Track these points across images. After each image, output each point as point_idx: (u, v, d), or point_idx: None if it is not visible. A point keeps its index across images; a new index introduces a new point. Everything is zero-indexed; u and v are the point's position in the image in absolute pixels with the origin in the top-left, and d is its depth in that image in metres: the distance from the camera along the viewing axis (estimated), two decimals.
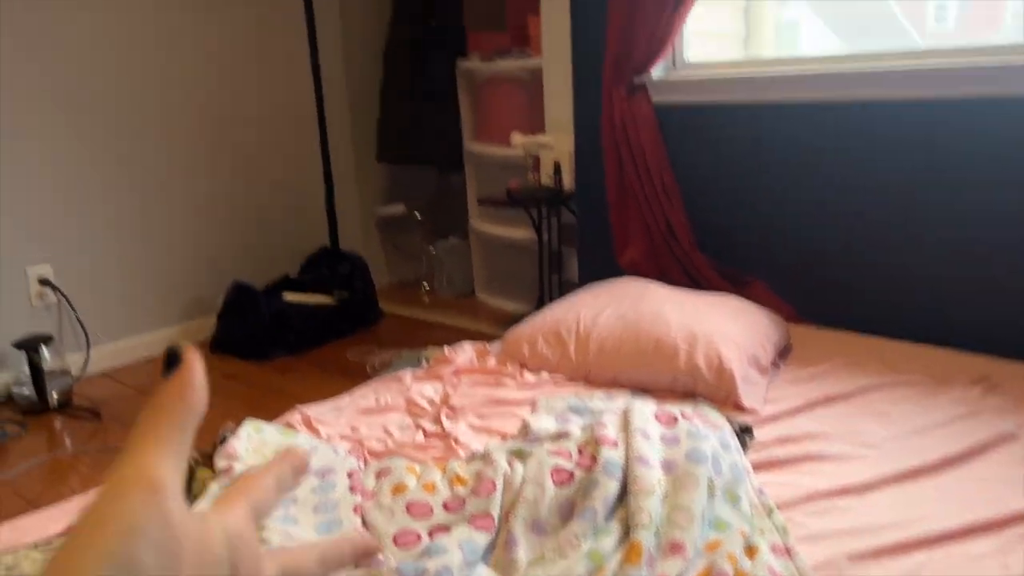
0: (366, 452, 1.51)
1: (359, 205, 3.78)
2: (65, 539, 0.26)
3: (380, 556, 0.31)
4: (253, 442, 1.41)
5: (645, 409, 1.42)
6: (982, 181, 1.98)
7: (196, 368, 0.30)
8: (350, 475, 1.35)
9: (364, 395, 1.80)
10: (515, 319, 2.40)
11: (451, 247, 3.67)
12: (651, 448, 1.29)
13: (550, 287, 2.91)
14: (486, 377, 1.87)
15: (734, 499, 1.23)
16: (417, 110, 3.50)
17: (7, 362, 2.70)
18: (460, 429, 1.60)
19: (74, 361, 2.81)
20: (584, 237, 2.82)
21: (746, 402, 1.64)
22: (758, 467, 1.39)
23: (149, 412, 0.29)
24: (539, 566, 1.10)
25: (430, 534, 1.18)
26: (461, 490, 1.28)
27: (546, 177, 2.80)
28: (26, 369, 2.61)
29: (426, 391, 1.79)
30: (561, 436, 1.41)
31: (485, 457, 1.36)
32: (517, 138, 2.86)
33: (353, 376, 2.68)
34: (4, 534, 1.25)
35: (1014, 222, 1.95)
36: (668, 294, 1.98)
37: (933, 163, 2.04)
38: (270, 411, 1.73)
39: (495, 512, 1.21)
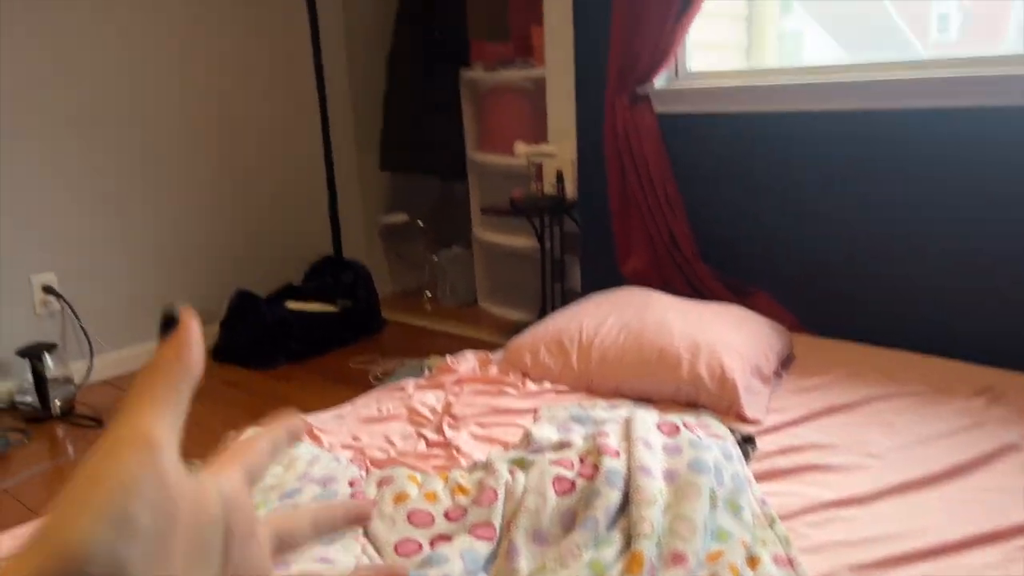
0: (368, 461, 1.51)
1: (362, 214, 3.78)
2: (60, 497, 0.26)
3: (371, 519, 0.32)
4: None
5: (647, 419, 1.42)
6: (985, 191, 1.98)
7: (193, 329, 0.30)
8: (352, 484, 1.35)
9: (366, 404, 1.80)
10: (517, 328, 2.40)
11: (454, 256, 3.68)
12: (653, 458, 1.28)
13: (552, 296, 2.91)
14: (488, 386, 1.87)
15: (736, 509, 1.23)
16: (420, 119, 3.51)
17: (10, 370, 2.70)
18: (462, 438, 1.60)
19: (77, 369, 2.82)
20: (587, 246, 2.83)
21: (749, 412, 1.64)
22: (760, 477, 1.38)
23: (145, 373, 0.29)
24: None
25: (431, 543, 1.18)
26: (463, 499, 1.28)
27: (549, 186, 2.80)
28: (29, 377, 2.61)
29: (428, 400, 1.79)
30: (563, 445, 1.41)
31: (487, 466, 1.36)
32: (520, 147, 2.87)
33: (355, 385, 2.68)
34: (5, 543, 1.25)
35: (1017, 232, 1.95)
36: (671, 303, 1.98)
37: (936, 173, 2.04)
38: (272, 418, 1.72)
39: (496, 521, 1.20)
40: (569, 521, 1.19)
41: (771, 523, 1.22)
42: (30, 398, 2.62)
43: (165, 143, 3.06)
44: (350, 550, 1.16)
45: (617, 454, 1.29)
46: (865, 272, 2.20)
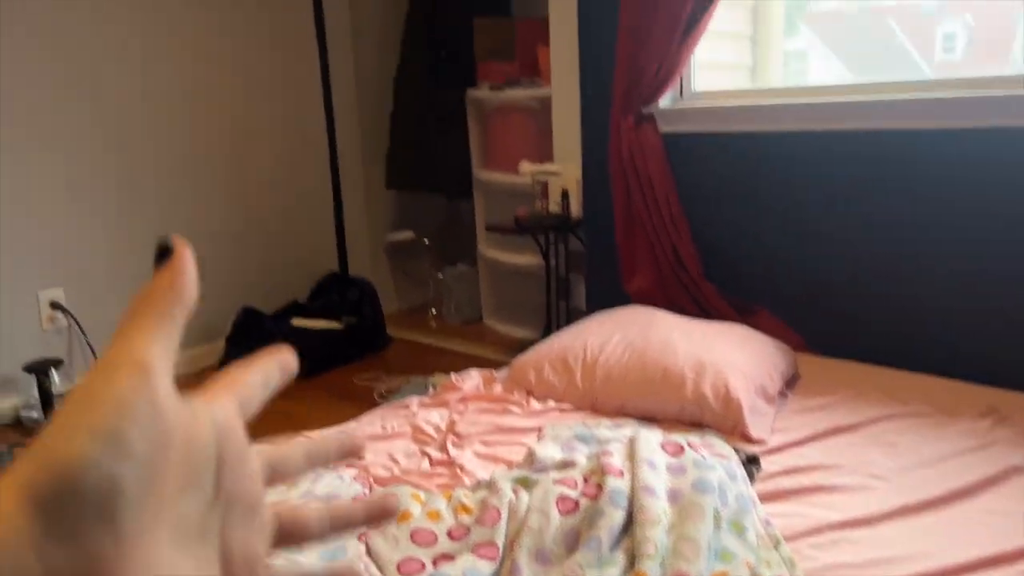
0: (371, 479, 1.51)
1: (368, 231, 3.80)
2: (52, 418, 0.26)
3: (364, 454, 0.31)
4: None
5: (651, 438, 1.42)
6: (990, 211, 1.98)
7: (187, 258, 0.30)
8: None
9: (370, 421, 1.80)
10: (522, 345, 2.40)
11: (459, 273, 3.69)
12: (657, 478, 1.28)
13: (557, 314, 2.91)
14: (492, 404, 1.87)
15: (740, 530, 1.23)
16: (427, 138, 3.53)
17: (17, 386, 2.71)
18: (466, 457, 1.59)
19: None
20: (591, 265, 2.83)
21: (753, 432, 1.63)
22: (765, 498, 1.38)
23: (139, 300, 0.29)
24: None
25: (434, 563, 1.18)
26: (466, 518, 1.28)
27: (554, 205, 2.81)
28: (36, 393, 2.62)
29: (432, 418, 1.79)
30: (567, 465, 1.41)
31: (490, 485, 1.36)
32: (526, 166, 2.88)
33: (360, 402, 2.68)
34: None
35: (1023, 253, 1.95)
36: (675, 323, 1.98)
37: (941, 193, 2.05)
38: (277, 436, 1.73)
39: (499, 541, 1.20)
40: (572, 541, 1.19)
41: (776, 544, 1.22)
42: (36, 414, 2.63)
43: (174, 161, 3.08)
44: None
45: (621, 474, 1.29)
46: (870, 292, 2.20)
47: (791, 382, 1.93)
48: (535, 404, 1.86)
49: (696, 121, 2.47)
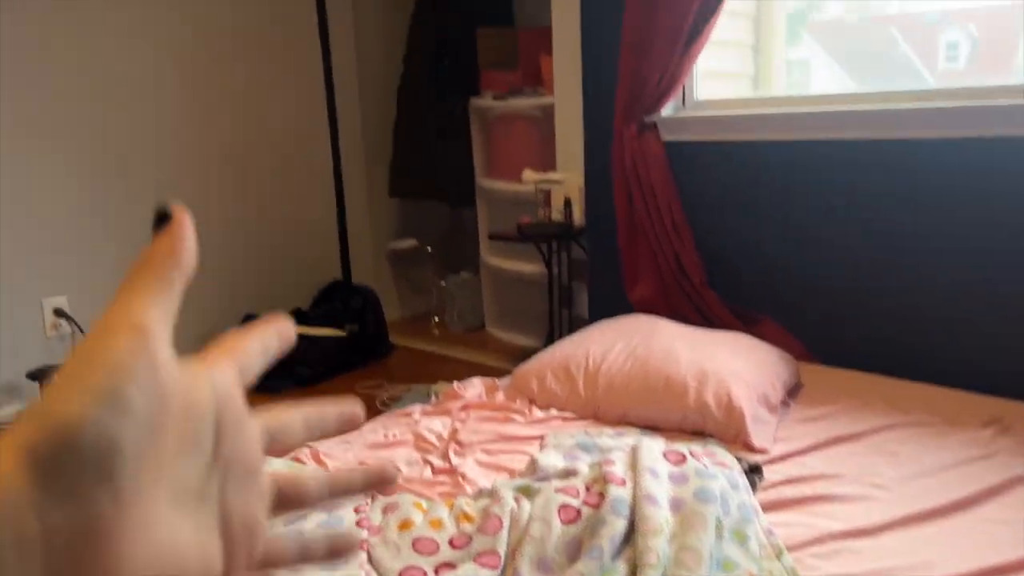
0: None
1: (371, 239, 3.81)
2: (52, 379, 0.26)
3: (359, 421, 0.30)
4: None
5: (654, 447, 1.42)
6: (993, 221, 1.98)
7: (186, 225, 0.30)
8: (357, 510, 1.34)
9: (373, 429, 1.80)
10: (525, 353, 2.40)
11: (462, 281, 3.69)
12: (659, 487, 1.28)
13: (560, 322, 2.91)
14: (495, 413, 1.87)
15: (742, 539, 1.22)
16: (430, 146, 3.54)
17: (21, 393, 2.71)
18: (468, 465, 1.59)
19: None
20: (594, 273, 2.83)
21: (756, 441, 1.63)
22: (767, 507, 1.38)
23: (137, 266, 0.29)
24: None
25: (436, 571, 1.18)
26: (468, 527, 1.28)
27: (557, 213, 2.82)
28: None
29: (434, 426, 1.79)
30: (569, 473, 1.40)
31: (492, 494, 1.36)
32: (528, 174, 2.89)
33: (362, 409, 2.67)
34: None
35: None
36: (678, 331, 1.98)
37: (943, 202, 2.05)
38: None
39: (501, 550, 1.20)
40: (574, 550, 1.19)
41: (778, 554, 1.22)
42: None
43: (177, 168, 3.09)
44: None
45: (623, 483, 1.29)
46: (873, 301, 2.20)
47: (793, 391, 1.93)
48: (537, 412, 1.86)
49: (698, 130, 2.48)
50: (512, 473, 1.54)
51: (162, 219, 0.30)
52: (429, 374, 3.04)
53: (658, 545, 1.15)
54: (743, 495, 1.32)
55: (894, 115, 2.10)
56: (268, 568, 0.33)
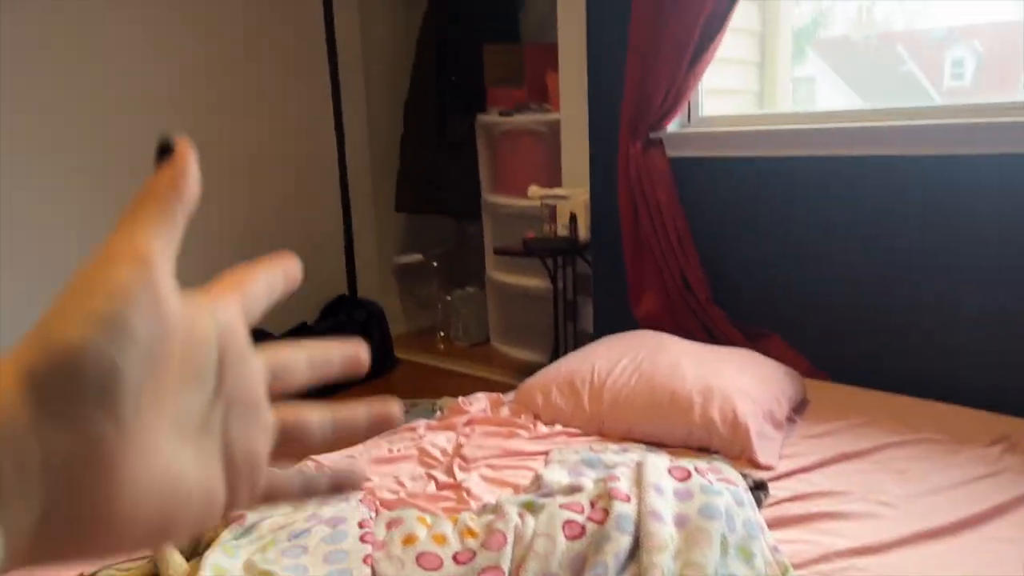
0: (378, 502, 1.51)
1: (377, 254, 3.82)
2: (51, 305, 0.25)
3: (364, 364, 0.30)
4: None
5: (659, 463, 1.41)
6: (1002, 238, 1.97)
7: (189, 158, 0.29)
8: (361, 525, 1.34)
9: (377, 444, 1.80)
10: (530, 368, 2.40)
11: (467, 296, 3.69)
12: (664, 503, 1.27)
13: (565, 337, 2.91)
14: (499, 428, 1.87)
15: (748, 556, 1.22)
16: (436, 162, 3.55)
17: None
18: (472, 480, 1.59)
19: None
20: (599, 288, 2.83)
21: (761, 458, 1.63)
22: (773, 524, 1.37)
23: (139, 198, 0.28)
24: None
25: None
26: (472, 542, 1.28)
27: (562, 228, 2.82)
28: None
29: (439, 441, 1.79)
30: (573, 489, 1.40)
31: (496, 509, 1.35)
32: (534, 190, 2.90)
33: None
34: None
35: None
36: (683, 347, 1.98)
37: (950, 220, 2.04)
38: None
39: (505, 565, 1.20)
40: (579, 566, 1.18)
41: (784, 572, 1.21)
42: None
43: None
44: None
45: (628, 498, 1.28)
46: (879, 318, 2.20)
47: (799, 408, 1.92)
48: (542, 428, 1.86)
49: (704, 146, 2.48)
50: (516, 488, 1.54)
51: (165, 151, 0.29)
52: (434, 389, 3.04)
53: (663, 562, 1.15)
54: (748, 512, 1.32)
55: (900, 132, 2.10)
56: (271, 502, 0.33)
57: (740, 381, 1.79)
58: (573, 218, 2.77)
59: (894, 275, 2.16)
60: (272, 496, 0.33)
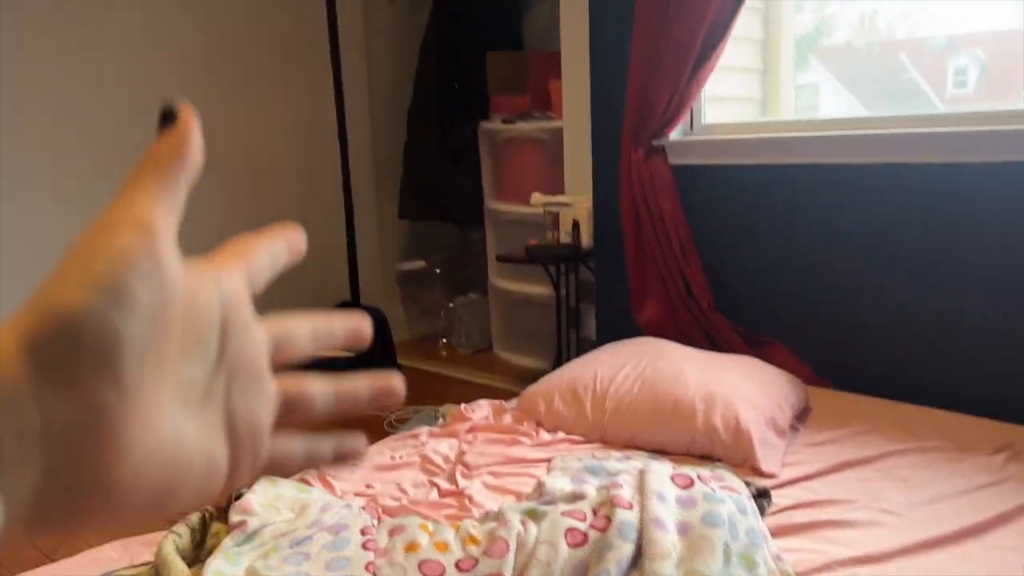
0: (380, 509, 1.50)
1: (380, 261, 3.82)
2: (52, 271, 0.25)
3: (368, 331, 0.29)
4: (268, 497, 1.42)
5: (661, 471, 1.41)
6: (1004, 247, 1.97)
7: (192, 124, 0.29)
8: (363, 532, 1.34)
9: (379, 451, 1.80)
10: (532, 375, 2.40)
11: (470, 303, 3.69)
12: (667, 510, 1.27)
13: (568, 344, 2.91)
14: (502, 435, 1.87)
15: (751, 564, 1.21)
16: (439, 169, 3.56)
17: None
18: (474, 487, 1.59)
19: None
20: (602, 295, 2.83)
21: (764, 465, 1.62)
22: (776, 532, 1.37)
23: (141, 164, 0.28)
24: None
25: None
26: (474, 550, 1.27)
27: (565, 235, 2.82)
28: None
29: (441, 448, 1.79)
30: (576, 497, 1.40)
31: (499, 517, 1.35)
32: (537, 197, 2.90)
33: (369, 431, 2.67)
34: None
35: None
36: (686, 354, 1.98)
37: (952, 228, 2.04)
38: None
39: (508, 573, 1.19)
40: (581, 573, 1.18)
41: None
42: None
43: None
44: None
45: (630, 506, 1.28)
46: (883, 326, 2.19)
47: (802, 415, 1.92)
48: (544, 435, 1.86)
49: (706, 153, 2.49)
50: (519, 496, 1.53)
51: (167, 118, 0.29)
52: (436, 396, 3.04)
53: (665, 569, 1.14)
54: (751, 520, 1.31)
55: (902, 140, 2.11)
56: (273, 472, 0.33)
57: (743, 388, 1.78)
58: (576, 225, 2.77)
59: (896, 283, 2.15)
60: (275, 466, 0.33)
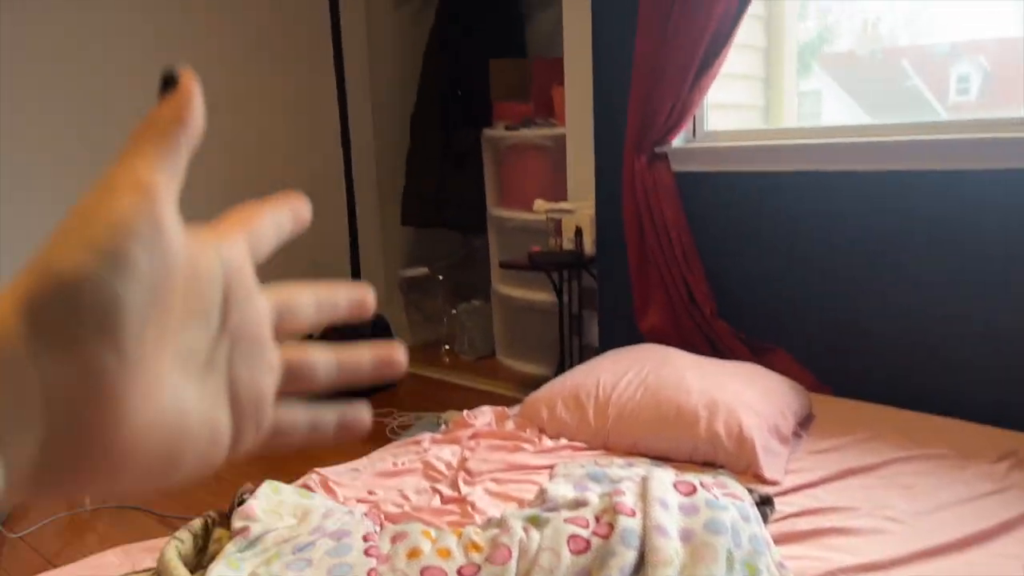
0: (382, 515, 1.50)
1: (383, 267, 3.83)
2: (50, 235, 0.24)
3: (371, 302, 0.29)
4: (271, 503, 1.42)
5: (664, 477, 1.41)
6: (1006, 254, 1.97)
7: (194, 90, 0.28)
8: (366, 538, 1.34)
9: (382, 458, 1.80)
10: (535, 382, 2.40)
11: (473, 309, 3.70)
12: (669, 517, 1.27)
13: (570, 351, 2.91)
14: (504, 441, 1.87)
15: (754, 572, 1.21)
16: (442, 176, 3.57)
17: None
18: (477, 494, 1.59)
19: None
20: (604, 302, 2.83)
21: (767, 473, 1.62)
22: (779, 540, 1.36)
23: (142, 129, 0.27)
24: None
25: None
26: (476, 556, 1.27)
27: (567, 242, 2.83)
28: None
29: (444, 455, 1.79)
30: (579, 503, 1.40)
31: (501, 523, 1.35)
32: (540, 204, 2.91)
33: (372, 438, 2.67)
34: None
35: None
36: (689, 361, 1.98)
37: (955, 235, 2.04)
38: (288, 471, 1.73)
39: None
40: None
41: None
42: None
43: (187, 195, 3.11)
44: None
45: (633, 513, 1.28)
46: (885, 333, 2.19)
47: (805, 422, 1.91)
48: (547, 442, 1.85)
49: (709, 161, 2.49)
50: (521, 503, 1.53)
51: (168, 83, 0.28)
52: (439, 402, 3.04)
53: None
54: (755, 527, 1.31)
55: (905, 147, 2.11)
56: (277, 440, 0.33)
57: (745, 395, 1.78)
58: (578, 232, 2.77)
59: (899, 290, 2.15)
60: (278, 434, 0.32)
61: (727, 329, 2.44)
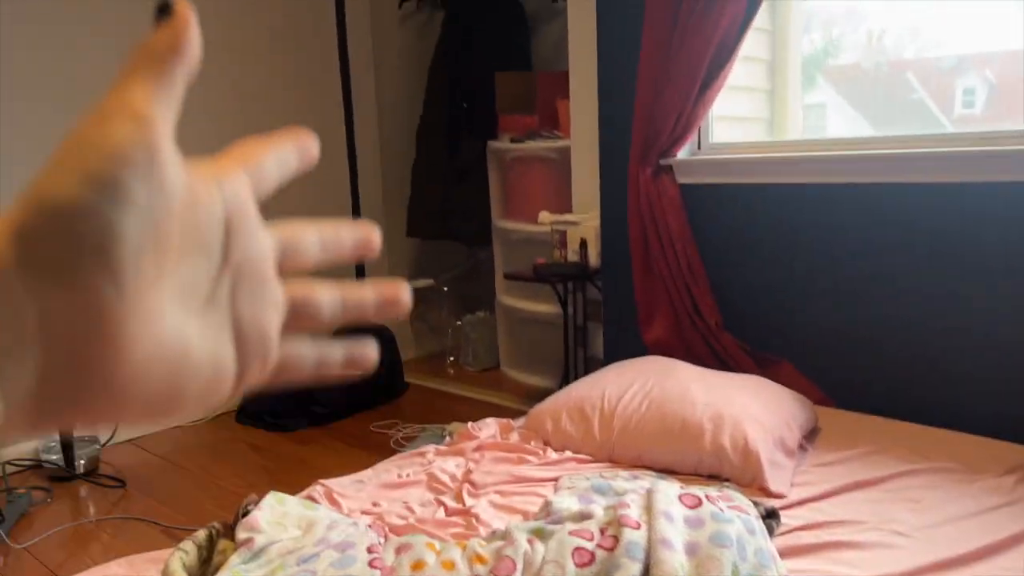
0: (387, 527, 1.50)
1: (388, 278, 3.83)
2: (44, 165, 0.24)
3: (377, 240, 0.28)
4: (275, 514, 1.41)
5: (669, 490, 1.40)
6: (1012, 267, 1.97)
7: (189, 18, 0.27)
8: (370, 550, 1.34)
9: (386, 469, 1.80)
10: (540, 394, 2.39)
11: (478, 321, 3.70)
12: (674, 530, 1.27)
13: (575, 363, 2.91)
14: (509, 454, 1.86)
15: None
16: (447, 188, 3.58)
17: None
18: (481, 506, 1.58)
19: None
20: (609, 314, 2.83)
21: (772, 485, 1.61)
22: (785, 553, 1.36)
23: (137, 56, 0.26)
24: None
25: None
26: (480, 569, 1.27)
27: (572, 254, 2.83)
28: (56, 435, 2.64)
29: (448, 467, 1.78)
30: (583, 516, 1.39)
31: (506, 536, 1.34)
32: (545, 215, 2.91)
33: (376, 450, 2.67)
34: None
35: None
36: (694, 373, 1.97)
37: (959, 248, 2.04)
38: (293, 483, 1.73)
39: None
40: None
41: None
42: (56, 456, 2.64)
43: None
44: None
45: (638, 526, 1.27)
46: (891, 346, 2.18)
47: (811, 435, 1.91)
48: (552, 454, 1.85)
49: (713, 173, 2.49)
50: (526, 515, 1.53)
51: (163, 12, 0.27)
52: (444, 414, 3.03)
53: None
54: (760, 540, 1.30)
55: (910, 160, 2.11)
56: (284, 376, 0.32)
57: (751, 408, 1.78)
58: (583, 244, 2.78)
59: (902, 302, 2.15)
60: (285, 370, 0.32)
61: (732, 341, 2.44)
